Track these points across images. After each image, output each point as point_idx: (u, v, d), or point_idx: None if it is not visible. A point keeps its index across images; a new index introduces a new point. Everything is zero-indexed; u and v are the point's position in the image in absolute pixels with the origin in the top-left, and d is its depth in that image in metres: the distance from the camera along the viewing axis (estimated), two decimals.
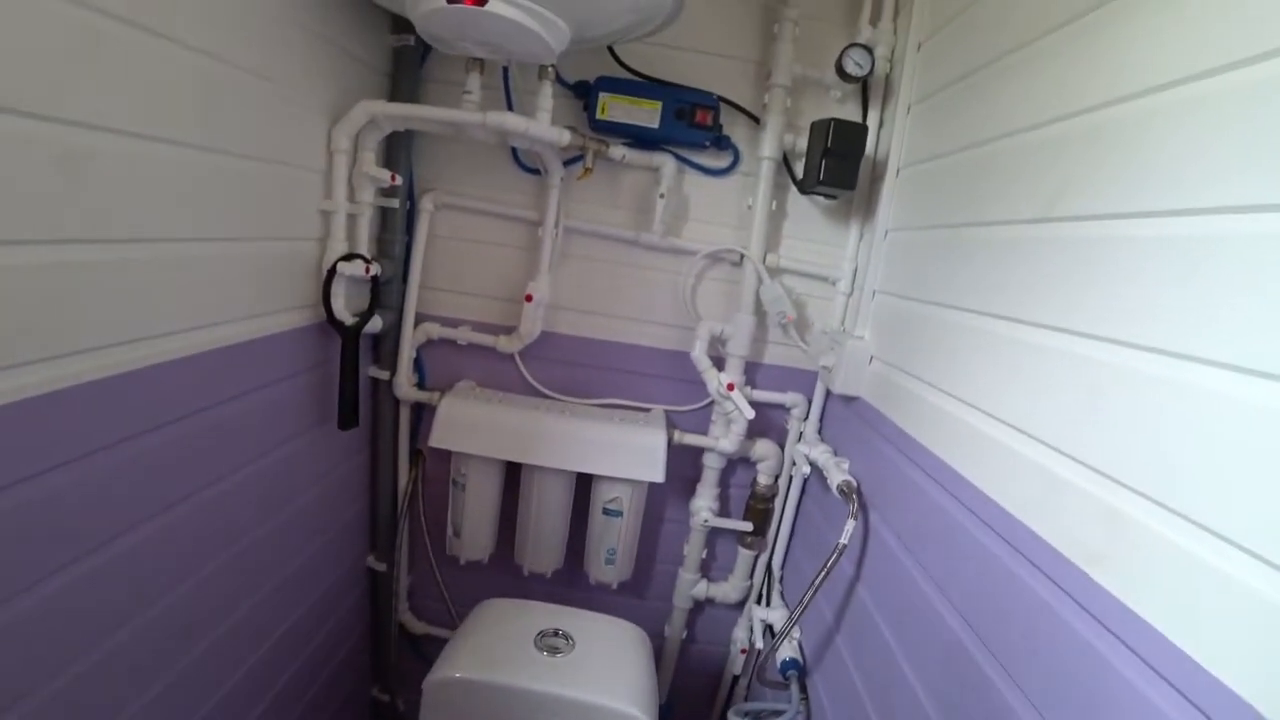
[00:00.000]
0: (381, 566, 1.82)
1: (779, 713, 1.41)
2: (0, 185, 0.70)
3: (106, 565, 0.91)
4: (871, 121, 1.49)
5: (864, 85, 1.49)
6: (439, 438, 1.52)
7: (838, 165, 1.35)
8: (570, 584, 1.83)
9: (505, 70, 1.47)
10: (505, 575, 1.78)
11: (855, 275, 1.55)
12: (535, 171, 1.58)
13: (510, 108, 1.48)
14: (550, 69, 1.34)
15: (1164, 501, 0.62)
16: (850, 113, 1.51)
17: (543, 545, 1.66)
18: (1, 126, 0.69)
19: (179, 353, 0.99)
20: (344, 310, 1.38)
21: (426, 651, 1.97)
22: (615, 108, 1.47)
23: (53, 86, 0.73)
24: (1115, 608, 0.65)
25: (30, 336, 0.75)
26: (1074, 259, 0.80)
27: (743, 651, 1.82)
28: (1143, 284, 0.69)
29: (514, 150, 1.57)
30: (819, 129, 1.37)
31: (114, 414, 0.89)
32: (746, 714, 1.53)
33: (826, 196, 1.51)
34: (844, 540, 1.21)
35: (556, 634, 1.36)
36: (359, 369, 1.43)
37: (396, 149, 1.49)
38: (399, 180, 1.44)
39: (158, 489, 1.00)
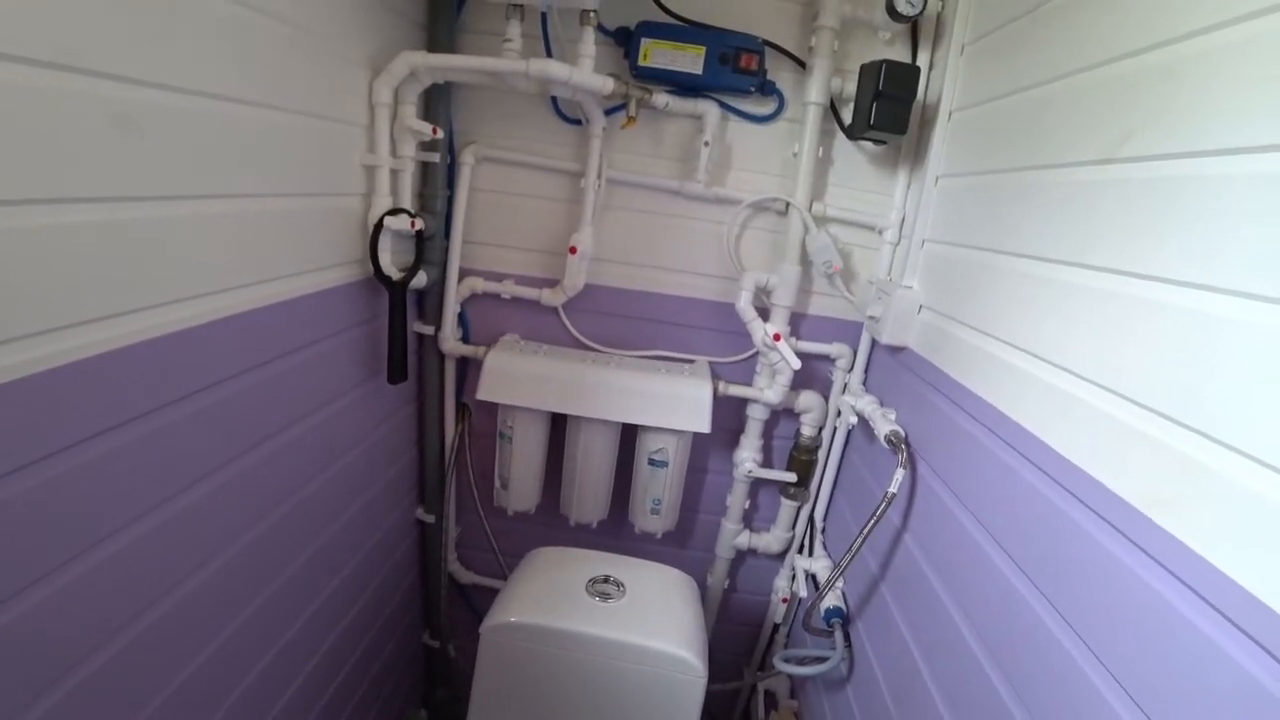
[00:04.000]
0: (430, 518, 1.86)
1: (823, 659, 1.43)
2: (58, 143, 0.69)
3: (171, 520, 0.93)
4: (921, 63, 1.44)
5: (914, 26, 1.44)
6: (486, 390, 1.54)
7: (890, 109, 1.31)
8: (615, 534, 1.86)
9: (544, 17, 1.44)
10: (552, 526, 1.81)
11: (903, 224, 1.52)
12: (576, 122, 1.56)
13: (550, 56, 1.45)
14: (593, 14, 1.30)
15: (1236, 445, 0.61)
16: (899, 55, 1.46)
17: (589, 496, 1.68)
18: (61, 84, 0.69)
19: (231, 310, 1.00)
20: (391, 265, 1.39)
21: (475, 600, 2.03)
22: (658, 54, 1.43)
23: (103, 42, 0.73)
24: (1179, 550, 0.65)
25: (87, 294, 0.75)
26: (1144, 201, 0.77)
27: (784, 600, 1.85)
28: (1220, 224, 0.66)
29: (554, 100, 1.55)
30: (869, 71, 1.33)
31: (171, 372, 0.89)
32: (792, 659, 1.55)
33: (876, 142, 1.47)
34: (893, 489, 1.21)
35: (607, 580, 1.39)
36: (407, 323, 1.45)
37: (436, 102, 1.47)
38: (440, 133, 1.43)
39: (218, 445, 1.02)
